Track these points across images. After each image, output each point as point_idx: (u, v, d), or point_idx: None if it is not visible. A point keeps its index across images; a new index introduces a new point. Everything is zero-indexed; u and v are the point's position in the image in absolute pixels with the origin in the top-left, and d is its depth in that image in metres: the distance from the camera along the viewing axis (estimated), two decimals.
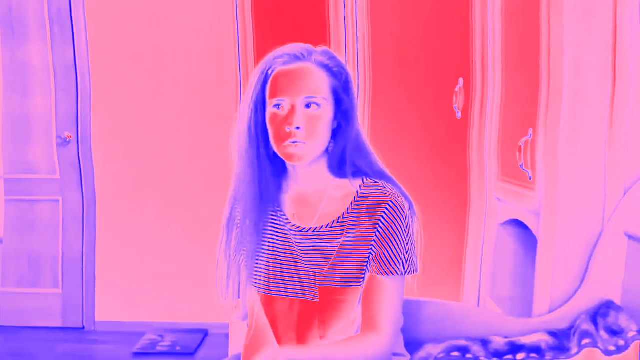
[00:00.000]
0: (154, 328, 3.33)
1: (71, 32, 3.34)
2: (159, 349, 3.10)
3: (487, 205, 2.24)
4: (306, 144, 1.19)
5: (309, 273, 1.25)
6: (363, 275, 1.22)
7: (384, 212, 1.21)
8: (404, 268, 1.21)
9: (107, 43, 3.33)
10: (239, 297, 1.34)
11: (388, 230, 1.20)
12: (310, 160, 1.22)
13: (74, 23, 3.33)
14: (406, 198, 1.26)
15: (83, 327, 3.46)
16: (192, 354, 3.07)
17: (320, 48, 1.26)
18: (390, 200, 1.21)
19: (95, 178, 3.40)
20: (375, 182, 1.25)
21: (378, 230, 1.21)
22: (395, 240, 1.20)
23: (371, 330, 1.19)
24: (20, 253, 3.45)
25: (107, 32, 3.33)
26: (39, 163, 3.44)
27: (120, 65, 3.34)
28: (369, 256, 1.21)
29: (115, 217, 3.40)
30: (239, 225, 1.28)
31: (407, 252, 1.21)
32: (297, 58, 1.22)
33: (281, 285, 1.27)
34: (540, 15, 1.75)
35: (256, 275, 1.29)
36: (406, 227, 1.21)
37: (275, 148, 1.23)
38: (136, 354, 3.07)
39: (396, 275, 1.20)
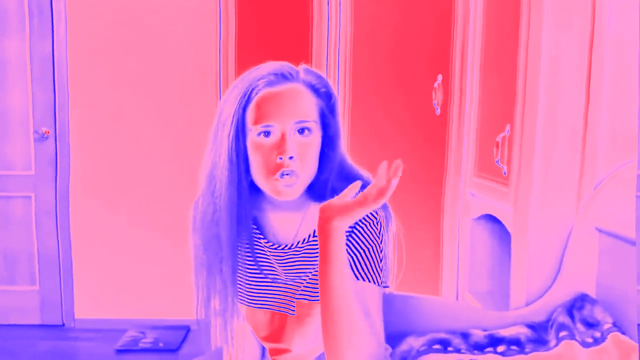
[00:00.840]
0: (136, 325, 3.33)
1: (51, 26, 3.29)
2: (141, 345, 3.09)
3: (461, 201, 2.27)
4: (299, 177, 1.08)
5: (288, 288, 1.21)
6: None
7: (358, 220, 1.11)
8: (378, 276, 1.12)
9: (87, 38, 3.29)
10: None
11: (360, 238, 1.12)
12: (298, 195, 1.11)
13: (54, 16, 3.28)
14: (385, 208, 1.20)
15: (63, 325, 3.43)
16: (175, 350, 3.07)
17: (302, 67, 1.15)
18: None
19: (71, 174, 3.37)
20: None
21: (350, 239, 1.12)
22: (367, 247, 1.12)
23: None
24: None
25: (87, 27, 3.29)
26: (15, 159, 3.39)
27: (99, 61, 3.30)
28: None
29: (93, 213, 3.38)
30: (211, 268, 1.16)
31: (380, 261, 1.13)
32: (284, 78, 1.09)
33: (261, 300, 1.23)
34: (520, 14, 1.79)
35: (237, 289, 1.24)
36: (379, 234, 1.14)
37: (259, 180, 1.11)
38: (119, 351, 3.07)
39: (368, 282, 1.11)
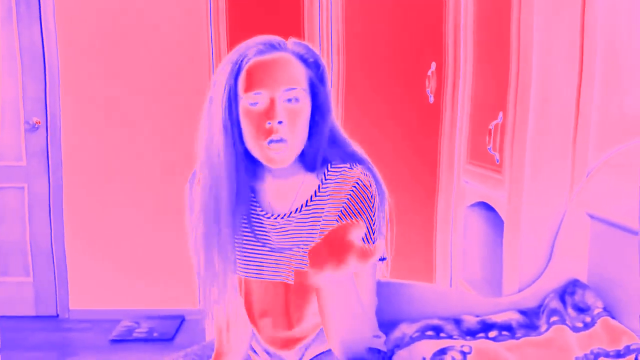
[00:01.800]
0: (130, 315, 3.33)
1: (38, 14, 3.26)
2: (135, 335, 3.10)
3: (455, 188, 2.28)
4: (287, 143, 1.12)
5: (283, 257, 1.23)
6: None
7: (351, 191, 1.17)
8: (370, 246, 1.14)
9: (76, 26, 3.27)
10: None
11: (354, 206, 1.16)
12: (290, 162, 1.15)
13: (41, 4, 3.24)
14: (378, 184, 1.23)
15: (57, 315, 3.44)
16: (169, 339, 3.08)
17: (291, 39, 1.19)
18: (356, 181, 1.18)
19: (63, 165, 3.36)
20: (343, 164, 1.21)
21: (343, 208, 1.17)
22: (360, 217, 1.15)
23: None
24: None
25: (76, 14, 3.26)
26: (6, 149, 3.37)
27: (89, 49, 3.28)
28: None
29: (86, 203, 3.37)
30: (210, 234, 1.18)
31: (372, 233, 1.17)
32: (273, 47, 1.14)
33: (256, 269, 1.25)
34: (512, 1, 1.79)
35: (229, 260, 1.24)
36: (372, 206, 1.17)
37: (252, 147, 1.15)
38: (113, 341, 3.07)
39: None
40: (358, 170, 1.20)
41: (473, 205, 2.20)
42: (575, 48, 1.69)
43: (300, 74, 1.15)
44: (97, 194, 3.37)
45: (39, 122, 3.34)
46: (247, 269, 1.26)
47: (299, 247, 1.22)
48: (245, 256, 1.26)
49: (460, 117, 2.25)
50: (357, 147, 1.26)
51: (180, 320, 3.29)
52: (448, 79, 2.25)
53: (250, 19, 2.33)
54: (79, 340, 3.16)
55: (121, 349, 3.01)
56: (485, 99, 2.07)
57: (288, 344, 1.29)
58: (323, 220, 1.20)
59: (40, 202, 3.40)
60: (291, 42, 1.18)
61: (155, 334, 3.10)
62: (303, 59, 1.16)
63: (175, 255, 3.29)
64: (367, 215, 1.16)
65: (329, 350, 1.29)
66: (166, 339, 3.07)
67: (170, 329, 3.17)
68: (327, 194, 1.20)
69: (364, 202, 1.17)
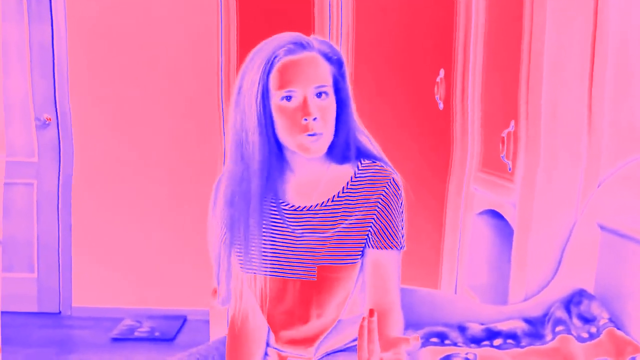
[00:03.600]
0: (132, 314, 3.33)
1: (49, 11, 3.27)
2: (137, 334, 3.10)
3: (464, 195, 2.27)
4: (323, 135, 1.20)
5: (306, 252, 1.25)
6: (360, 252, 1.26)
7: (385, 190, 1.24)
8: (400, 243, 1.26)
9: (86, 23, 3.28)
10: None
11: (389, 207, 1.24)
12: (324, 152, 1.22)
13: (52, 1, 3.26)
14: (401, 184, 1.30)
15: (59, 312, 3.44)
16: (171, 339, 3.07)
17: (314, 37, 1.25)
18: (390, 179, 1.25)
19: (74, 162, 3.37)
20: (374, 162, 1.28)
21: (379, 207, 1.24)
22: (394, 216, 1.25)
23: (391, 309, 1.25)
24: None
25: (86, 12, 3.27)
26: (17, 145, 3.39)
27: (99, 46, 3.29)
28: (369, 232, 1.24)
29: (93, 201, 3.38)
30: (236, 225, 1.23)
31: (402, 228, 1.27)
32: (302, 47, 1.20)
33: (275, 265, 1.27)
34: (523, 8, 1.78)
35: (250, 257, 1.26)
36: (401, 204, 1.27)
37: (287, 140, 1.20)
38: (114, 340, 3.07)
39: (396, 249, 1.26)
40: (389, 169, 1.28)
41: (482, 213, 2.19)
42: (586, 57, 1.69)
43: (327, 72, 1.22)
44: (103, 193, 3.37)
45: (50, 119, 3.36)
46: (270, 267, 1.27)
47: (325, 241, 1.25)
48: (269, 255, 1.27)
49: (471, 124, 2.24)
50: (379, 149, 1.34)
51: (183, 320, 3.28)
52: (457, 86, 2.25)
53: (261, 24, 2.33)
54: (80, 337, 3.15)
55: (122, 347, 3.00)
56: (496, 107, 2.07)
57: (304, 342, 1.30)
58: (355, 215, 1.25)
59: (49, 199, 3.41)
60: (316, 41, 1.24)
61: (156, 334, 3.10)
62: (328, 58, 1.23)
63: (180, 255, 3.29)
64: (399, 211, 1.26)
65: (344, 349, 1.32)
66: (167, 339, 3.06)
67: (172, 329, 3.17)
68: (359, 189, 1.25)
69: (396, 201, 1.26)
